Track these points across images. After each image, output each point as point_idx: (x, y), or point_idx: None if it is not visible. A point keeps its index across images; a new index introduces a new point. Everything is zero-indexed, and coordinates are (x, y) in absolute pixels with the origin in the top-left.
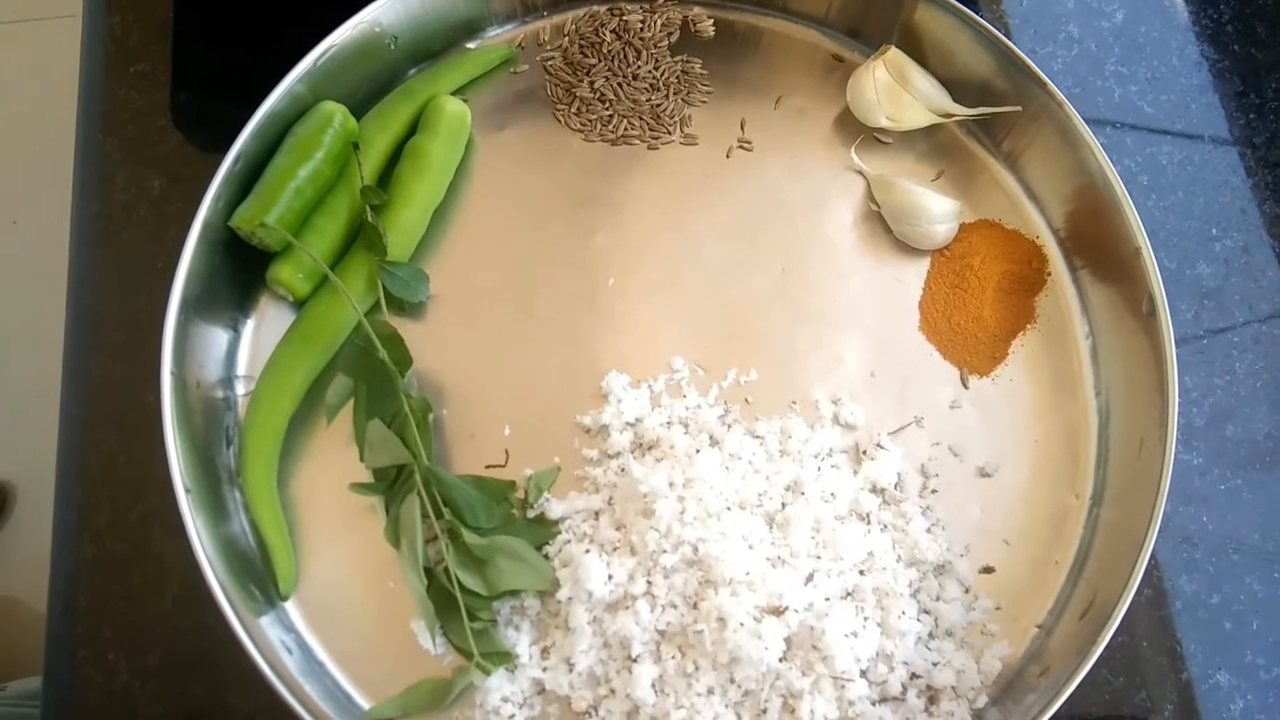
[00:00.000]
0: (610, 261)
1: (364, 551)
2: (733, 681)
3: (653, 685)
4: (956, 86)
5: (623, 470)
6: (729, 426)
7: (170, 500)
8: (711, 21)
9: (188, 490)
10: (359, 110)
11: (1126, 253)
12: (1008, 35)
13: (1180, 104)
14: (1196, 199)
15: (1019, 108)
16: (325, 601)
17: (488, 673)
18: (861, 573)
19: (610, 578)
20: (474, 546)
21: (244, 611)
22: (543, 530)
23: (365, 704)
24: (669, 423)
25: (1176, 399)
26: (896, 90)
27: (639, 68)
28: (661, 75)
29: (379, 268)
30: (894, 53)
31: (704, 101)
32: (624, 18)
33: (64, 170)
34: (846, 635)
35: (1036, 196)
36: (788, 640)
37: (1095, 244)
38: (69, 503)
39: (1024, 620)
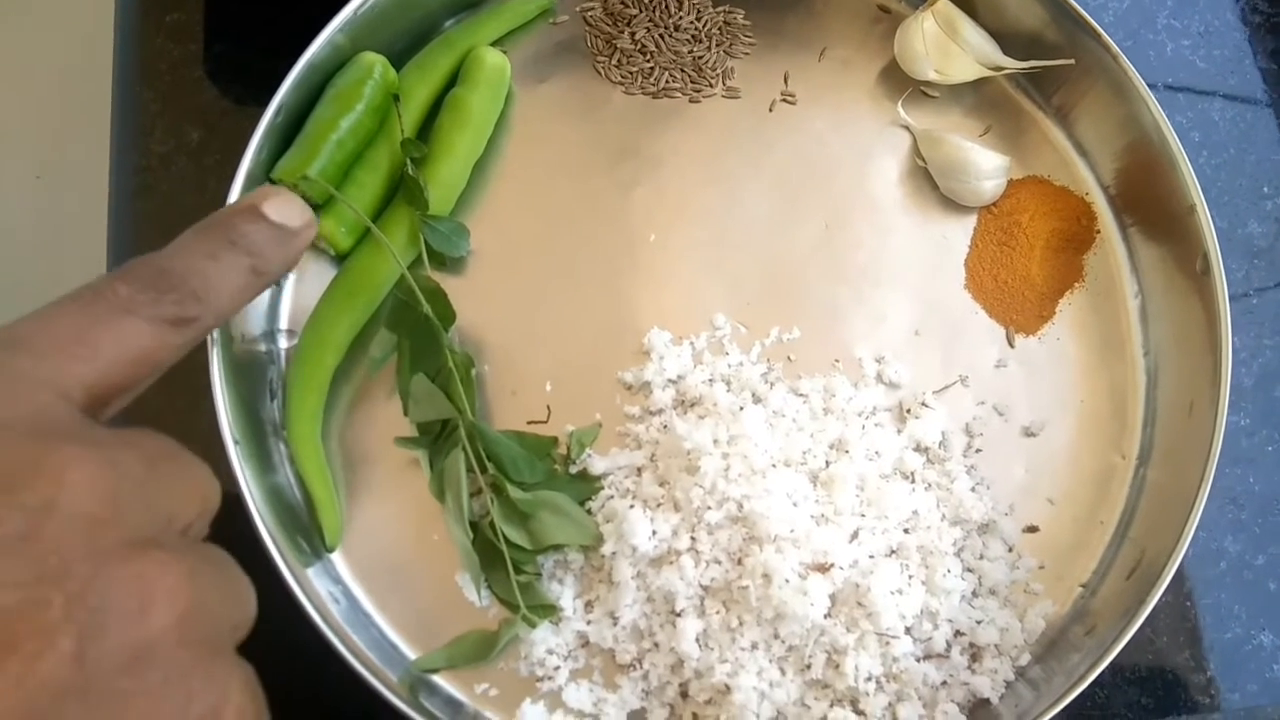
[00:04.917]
0: (651, 216)
1: (408, 504)
2: (777, 637)
3: (697, 639)
4: (1006, 39)
5: (665, 427)
6: (772, 384)
7: (215, 453)
8: None
9: (236, 442)
10: (397, 62)
11: (1180, 210)
12: None
13: (1234, 60)
14: (1248, 156)
15: (1071, 61)
16: (370, 554)
17: (533, 625)
18: (906, 531)
19: (654, 533)
20: (518, 501)
21: (293, 561)
22: (585, 486)
23: (412, 654)
24: (711, 380)
25: (1230, 360)
26: (945, 42)
27: (680, 19)
28: (704, 27)
29: (420, 222)
30: (943, 3)
31: (746, 54)
32: None
33: (90, 122)
34: (891, 592)
35: (1087, 152)
36: (832, 597)
37: (1147, 201)
38: None
39: (1068, 579)
